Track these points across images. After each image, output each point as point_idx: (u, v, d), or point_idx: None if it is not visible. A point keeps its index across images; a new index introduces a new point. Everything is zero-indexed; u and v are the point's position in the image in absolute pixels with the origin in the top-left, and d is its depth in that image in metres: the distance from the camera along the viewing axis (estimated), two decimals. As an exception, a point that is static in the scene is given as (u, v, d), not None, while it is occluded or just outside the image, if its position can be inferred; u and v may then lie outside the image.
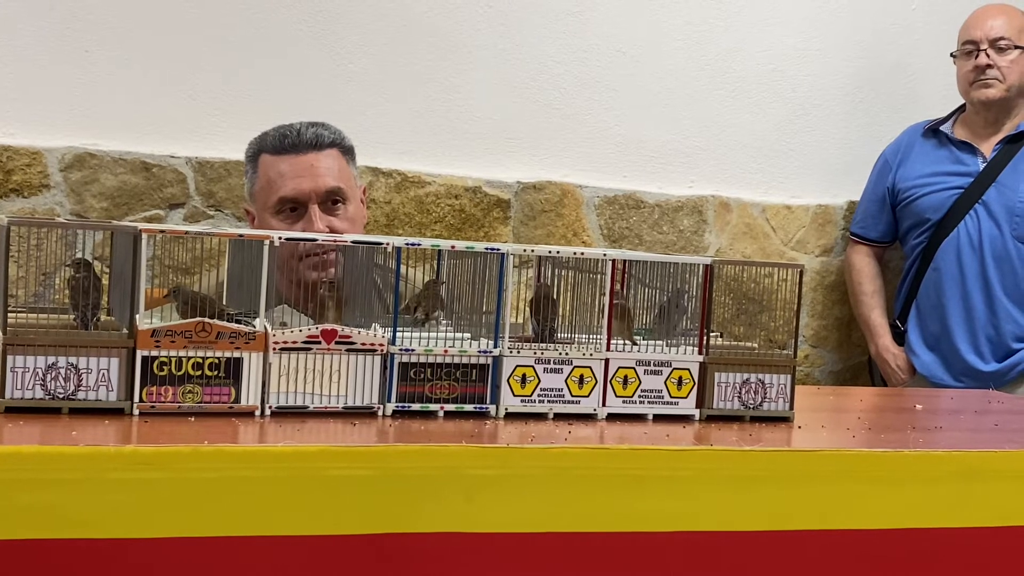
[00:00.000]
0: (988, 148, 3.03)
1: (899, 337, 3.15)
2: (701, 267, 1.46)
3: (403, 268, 1.38)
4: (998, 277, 2.96)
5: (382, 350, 1.34)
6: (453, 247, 1.40)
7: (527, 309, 1.48)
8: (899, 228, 3.16)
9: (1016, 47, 3.00)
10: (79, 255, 1.32)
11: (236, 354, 1.29)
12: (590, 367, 1.41)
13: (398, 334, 1.35)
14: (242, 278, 1.35)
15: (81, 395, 1.24)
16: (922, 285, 3.07)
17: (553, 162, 3.01)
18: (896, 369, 3.12)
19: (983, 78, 3.00)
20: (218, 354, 1.28)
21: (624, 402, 1.43)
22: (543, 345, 1.41)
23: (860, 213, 3.22)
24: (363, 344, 1.33)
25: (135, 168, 2.64)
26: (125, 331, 1.29)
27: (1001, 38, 2.99)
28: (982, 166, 3.01)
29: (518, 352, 1.39)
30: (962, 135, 3.08)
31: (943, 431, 1.58)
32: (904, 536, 1.32)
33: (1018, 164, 2.99)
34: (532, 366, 1.39)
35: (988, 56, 2.99)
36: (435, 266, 1.52)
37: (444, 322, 1.46)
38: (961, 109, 3.13)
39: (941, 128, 3.11)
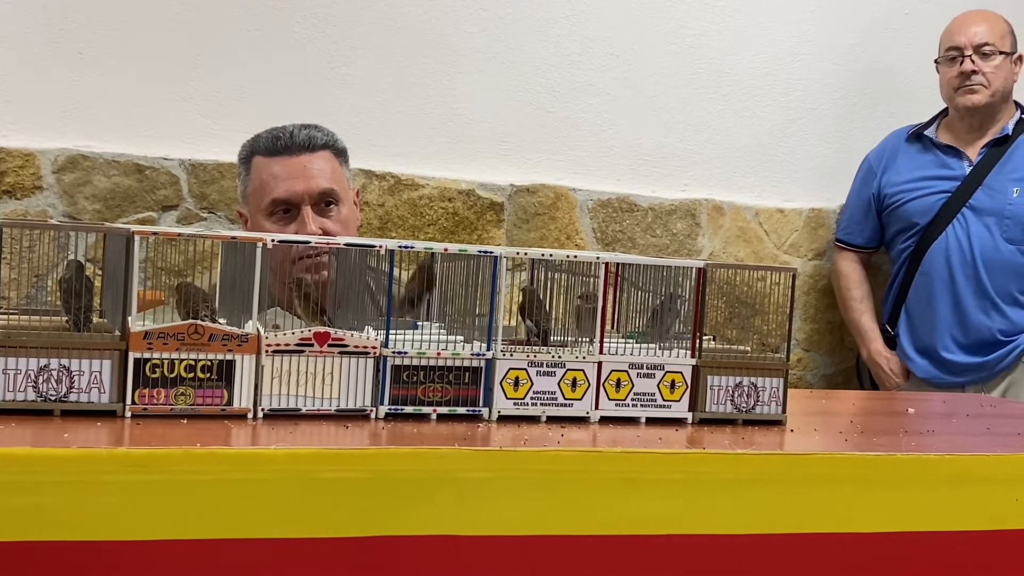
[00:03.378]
0: (974, 152, 3.04)
1: (890, 341, 3.15)
2: (694, 270, 1.47)
3: (396, 271, 1.38)
4: (989, 278, 2.96)
5: (375, 353, 1.34)
6: (446, 250, 1.40)
7: (518, 313, 1.47)
8: (885, 233, 3.17)
9: (1000, 52, 3.01)
10: (71, 257, 1.32)
11: (229, 356, 1.28)
12: (583, 370, 1.41)
13: (391, 336, 1.35)
14: (235, 280, 1.35)
15: (73, 397, 1.24)
16: (911, 290, 3.07)
17: (547, 165, 3.01)
18: (890, 373, 3.12)
19: (968, 84, 3.00)
20: (210, 356, 1.28)
21: (617, 405, 1.43)
22: (536, 348, 1.41)
23: (845, 219, 3.23)
24: (356, 347, 1.33)
25: (128, 170, 2.64)
26: (117, 333, 1.28)
27: (985, 44, 3.00)
28: (968, 170, 3.02)
29: (511, 355, 1.39)
30: (947, 139, 3.08)
31: (935, 435, 1.58)
32: (896, 540, 1.32)
33: (1004, 166, 3.00)
34: (525, 369, 1.39)
35: (973, 62, 2.99)
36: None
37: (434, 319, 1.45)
38: (943, 114, 3.13)
39: (925, 133, 3.11)
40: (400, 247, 1.38)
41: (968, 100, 3.00)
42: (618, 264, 1.49)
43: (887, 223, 3.14)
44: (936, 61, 3.09)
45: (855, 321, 3.19)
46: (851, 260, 3.20)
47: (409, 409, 1.35)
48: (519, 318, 1.47)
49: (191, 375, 1.27)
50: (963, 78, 3.00)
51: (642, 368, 1.44)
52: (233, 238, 1.34)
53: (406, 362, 1.35)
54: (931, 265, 3.02)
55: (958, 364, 2.99)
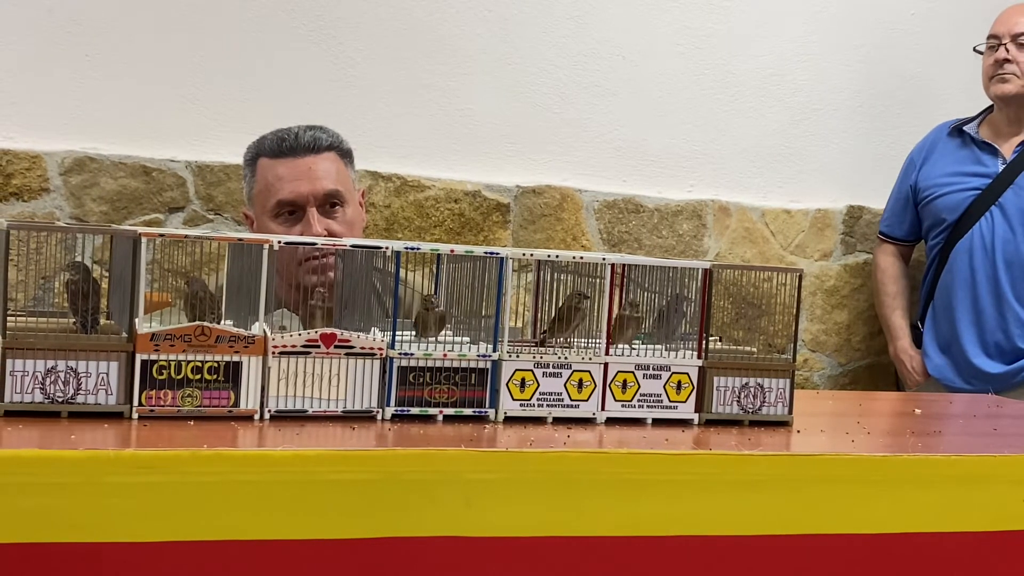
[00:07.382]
0: (1009, 149, 2.99)
1: (918, 339, 3.10)
2: (700, 271, 1.47)
3: (402, 272, 1.38)
4: (1008, 280, 2.91)
5: (381, 354, 1.34)
6: (452, 251, 1.40)
7: (554, 321, 1.46)
8: (922, 228, 3.12)
9: None
10: (78, 259, 1.32)
11: (235, 358, 1.29)
12: (589, 371, 1.41)
13: (397, 338, 1.35)
14: (241, 282, 1.35)
15: (80, 399, 1.24)
16: (938, 287, 3.03)
17: (553, 166, 3.01)
18: (911, 371, 3.08)
19: (1001, 73, 2.96)
20: (217, 358, 1.28)
21: (623, 406, 1.43)
22: (542, 349, 1.41)
23: (887, 211, 3.19)
24: (362, 348, 1.33)
25: (135, 172, 2.64)
26: (124, 335, 1.29)
27: (1023, 34, 2.95)
28: (1001, 168, 2.97)
29: (517, 356, 1.39)
30: (986, 135, 3.04)
31: (942, 435, 1.58)
32: (903, 541, 1.32)
33: None
34: (531, 370, 1.39)
35: (1008, 51, 2.95)
36: (434, 271, 1.52)
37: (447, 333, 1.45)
38: (989, 109, 3.08)
39: (965, 128, 3.06)
40: (406, 248, 1.38)
41: (999, 89, 2.97)
42: (624, 265, 1.49)
43: (922, 217, 3.09)
44: (977, 49, 3.04)
45: (885, 317, 3.16)
46: (890, 254, 3.17)
47: (415, 410, 1.36)
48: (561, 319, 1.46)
49: (198, 376, 1.27)
50: (997, 66, 2.96)
51: (648, 369, 1.44)
52: (240, 240, 1.34)
53: (412, 363, 1.35)
54: (955, 263, 2.97)
55: (977, 369, 2.94)
